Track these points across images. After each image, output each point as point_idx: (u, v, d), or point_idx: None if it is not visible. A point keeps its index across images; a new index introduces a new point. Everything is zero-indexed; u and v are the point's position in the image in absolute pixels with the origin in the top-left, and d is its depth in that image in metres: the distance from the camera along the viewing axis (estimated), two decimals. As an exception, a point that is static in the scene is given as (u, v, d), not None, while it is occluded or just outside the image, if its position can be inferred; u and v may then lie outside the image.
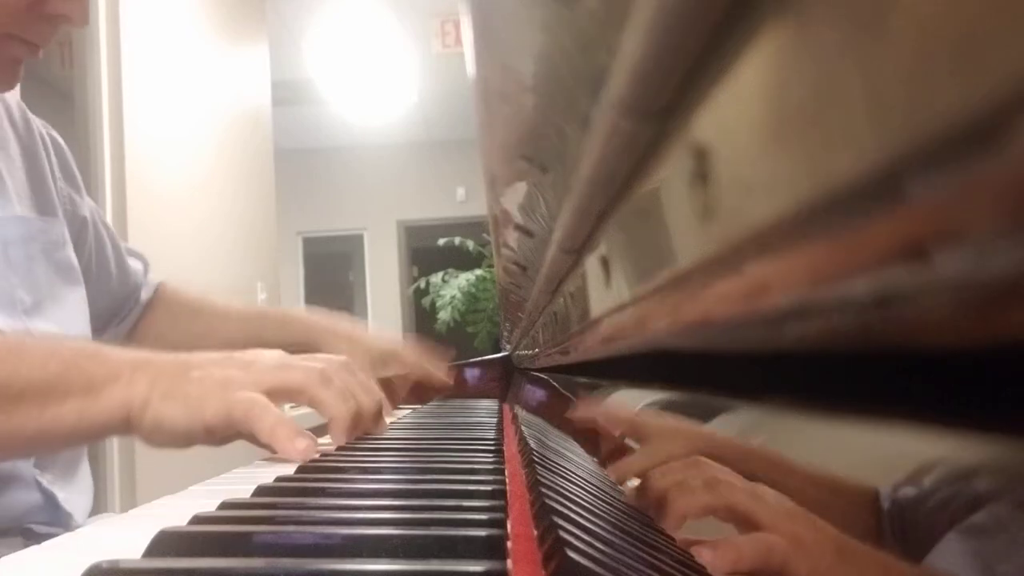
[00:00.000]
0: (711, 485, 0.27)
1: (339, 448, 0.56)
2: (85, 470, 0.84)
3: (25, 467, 0.73)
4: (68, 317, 0.80)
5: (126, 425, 0.56)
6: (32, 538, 0.72)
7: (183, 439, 0.56)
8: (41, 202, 0.83)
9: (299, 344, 0.93)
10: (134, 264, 1.00)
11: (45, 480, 0.74)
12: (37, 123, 0.87)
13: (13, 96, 0.85)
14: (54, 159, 0.87)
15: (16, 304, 0.74)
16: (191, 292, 1.05)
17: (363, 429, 0.61)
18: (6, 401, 0.54)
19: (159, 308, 1.00)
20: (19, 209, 0.78)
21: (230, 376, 0.56)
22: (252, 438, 0.55)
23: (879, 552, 0.17)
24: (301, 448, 0.53)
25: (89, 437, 0.59)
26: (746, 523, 0.23)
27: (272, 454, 0.55)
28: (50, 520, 0.74)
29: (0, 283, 0.74)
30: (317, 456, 0.52)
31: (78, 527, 0.77)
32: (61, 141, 0.90)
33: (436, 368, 1.06)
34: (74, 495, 0.79)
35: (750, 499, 0.24)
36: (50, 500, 0.74)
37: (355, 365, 0.63)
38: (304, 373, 0.58)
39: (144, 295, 0.99)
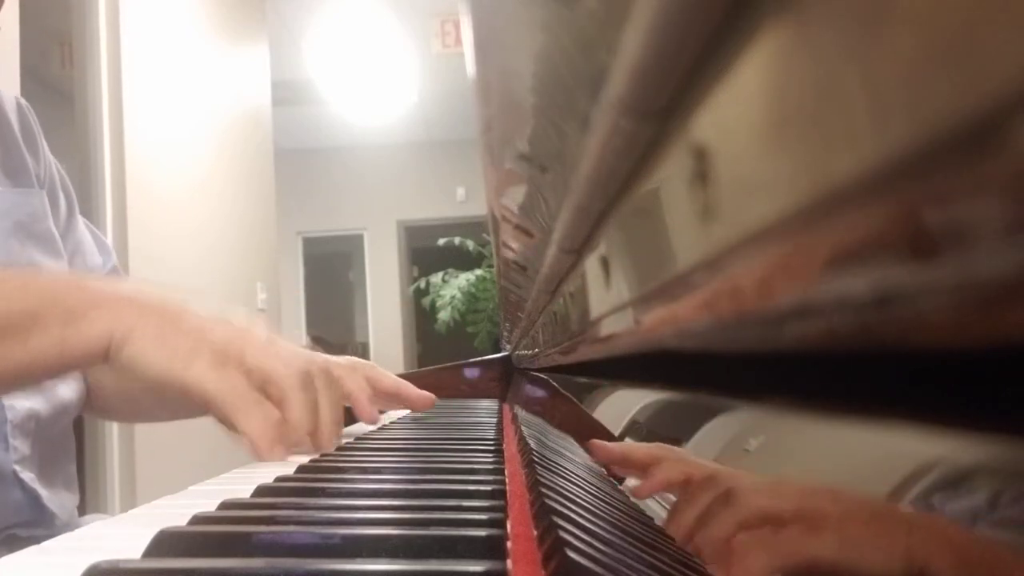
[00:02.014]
0: (728, 501, 0.27)
1: (339, 448, 0.56)
2: (70, 468, 0.83)
3: (5, 462, 0.72)
4: None
5: (105, 355, 0.55)
6: (16, 545, 0.70)
7: (153, 384, 0.55)
8: (15, 173, 0.79)
9: None
10: (90, 249, 0.91)
11: (27, 477, 0.73)
12: (5, 94, 0.84)
13: None
14: (17, 127, 0.83)
15: None
16: None
17: (314, 445, 0.59)
18: None
19: None
20: None
21: (223, 343, 0.55)
22: (222, 419, 0.54)
23: (907, 511, 0.17)
24: (276, 455, 0.52)
25: (72, 367, 0.57)
26: (770, 521, 0.23)
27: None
28: (33, 520, 0.73)
29: None
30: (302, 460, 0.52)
31: (63, 526, 0.76)
32: (25, 104, 0.86)
33: (414, 400, 0.89)
34: (58, 493, 0.77)
35: (769, 498, 0.24)
36: (32, 499, 0.73)
37: (334, 378, 0.61)
38: (285, 368, 0.56)
39: None
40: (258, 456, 0.53)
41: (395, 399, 0.90)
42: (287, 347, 0.59)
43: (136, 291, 0.58)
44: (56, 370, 0.57)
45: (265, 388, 0.55)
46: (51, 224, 0.81)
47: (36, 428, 0.76)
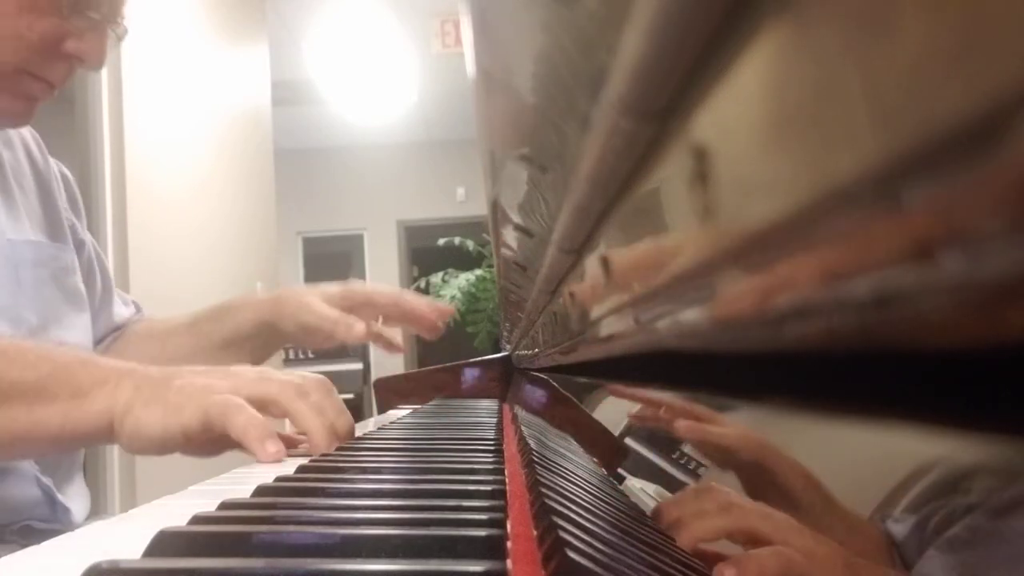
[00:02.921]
0: (726, 509, 0.27)
1: (339, 448, 0.56)
2: (80, 479, 0.86)
3: (25, 463, 0.74)
4: (72, 341, 0.82)
5: (110, 431, 0.57)
6: (31, 536, 0.73)
7: (160, 445, 0.57)
8: (53, 230, 0.85)
9: (260, 323, 0.89)
10: (121, 310, 0.98)
11: (47, 480, 0.75)
12: (52, 160, 0.91)
13: (32, 134, 0.89)
14: (63, 192, 0.90)
15: (22, 323, 0.76)
16: (158, 322, 0.99)
17: (338, 444, 0.60)
18: None
19: (120, 340, 0.96)
20: (32, 235, 0.81)
21: (210, 383, 0.57)
22: (228, 439, 0.55)
23: (883, 568, 0.17)
24: (271, 451, 0.53)
25: (75, 441, 0.60)
26: (760, 543, 0.24)
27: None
28: (49, 516, 0.75)
29: (8, 301, 0.76)
30: (302, 461, 0.52)
31: (77, 525, 0.78)
32: (70, 175, 0.94)
33: (418, 306, 0.92)
34: (72, 496, 0.79)
35: (763, 520, 0.25)
36: (48, 495, 0.75)
37: (331, 386, 0.63)
38: (280, 386, 0.58)
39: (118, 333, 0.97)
40: (255, 455, 0.53)
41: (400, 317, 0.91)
42: (279, 375, 0.60)
43: (135, 367, 0.60)
44: (58, 442, 0.60)
45: (267, 410, 0.57)
46: (78, 280, 0.86)
47: None
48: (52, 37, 0.71)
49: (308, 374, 0.63)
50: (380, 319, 0.91)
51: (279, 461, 0.53)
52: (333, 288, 0.90)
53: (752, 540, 0.24)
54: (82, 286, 0.86)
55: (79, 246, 0.90)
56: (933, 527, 0.15)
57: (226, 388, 0.57)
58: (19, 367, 0.57)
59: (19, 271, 0.77)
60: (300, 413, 0.57)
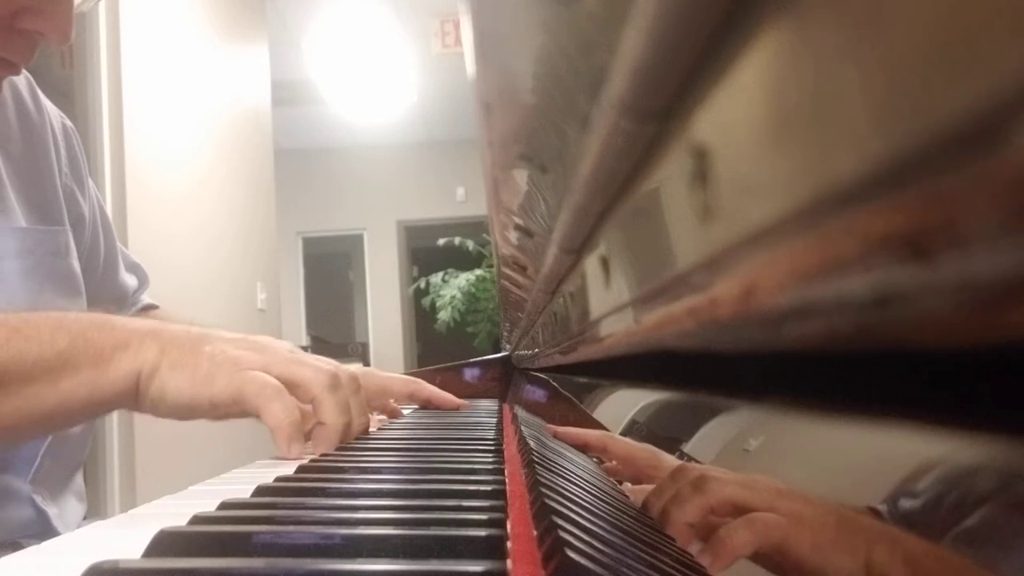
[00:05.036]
0: (699, 486, 0.27)
1: (339, 448, 0.56)
2: (78, 479, 0.84)
3: (20, 484, 0.73)
4: None
5: (135, 394, 0.56)
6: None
7: (186, 411, 0.56)
8: (44, 209, 0.80)
9: None
10: (127, 279, 0.96)
11: (39, 498, 0.74)
12: (50, 111, 0.84)
13: (27, 79, 0.81)
14: (63, 152, 0.84)
15: None
16: (168, 315, 0.98)
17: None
18: (18, 380, 0.54)
19: None
20: (20, 219, 0.77)
21: (243, 356, 0.56)
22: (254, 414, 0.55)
23: (881, 522, 0.17)
24: (294, 452, 0.53)
25: (102, 408, 0.58)
26: (744, 512, 0.23)
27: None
28: (42, 535, 0.74)
29: None
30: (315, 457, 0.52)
31: None
32: (70, 126, 0.88)
33: (435, 394, 0.94)
34: (67, 511, 0.78)
35: (742, 489, 0.24)
36: (42, 517, 0.74)
37: (360, 383, 0.62)
38: (314, 372, 0.57)
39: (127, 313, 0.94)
40: (279, 449, 0.53)
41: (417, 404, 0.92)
42: (311, 358, 0.60)
43: (159, 326, 0.59)
44: (85, 412, 0.58)
45: (294, 393, 0.56)
46: (73, 261, 0.82)
47: (62, 446, 0.77)
48: (3, 13, 0.66)
49: (342, 365, 0.62)
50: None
51: (300, 460, 0.53)
52: (350, 369, 0.89)
53: (737, 511, 0.24)
54: (77, 266, 0.82)
55: (77, 222, 0.84)
56: (948, 517, 0.15)
57: (258, 364, 0.56)
58: (36, 343, 0.55)
59: (2, 263, 0.74)
60: (325, 405, 0.56)
